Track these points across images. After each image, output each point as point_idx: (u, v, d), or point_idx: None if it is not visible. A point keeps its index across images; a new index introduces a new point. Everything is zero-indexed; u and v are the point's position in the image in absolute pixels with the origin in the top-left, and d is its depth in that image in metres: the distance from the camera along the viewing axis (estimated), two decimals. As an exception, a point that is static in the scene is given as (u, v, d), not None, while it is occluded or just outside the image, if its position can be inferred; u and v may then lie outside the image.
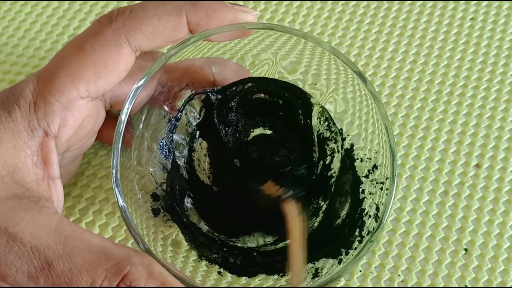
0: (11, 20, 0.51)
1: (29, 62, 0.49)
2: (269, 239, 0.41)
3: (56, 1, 0.52)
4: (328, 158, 0.41)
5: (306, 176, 0.41)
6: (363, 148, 0.40)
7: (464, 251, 0.42)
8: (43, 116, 0.34)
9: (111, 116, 0.40)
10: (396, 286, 0.40)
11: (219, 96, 0.41)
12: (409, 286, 0.40)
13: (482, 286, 0.41)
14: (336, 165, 0.41)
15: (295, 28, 0.43)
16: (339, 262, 0.37)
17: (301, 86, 0.41)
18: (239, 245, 0.40)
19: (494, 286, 0.41)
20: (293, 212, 0.37)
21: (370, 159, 0.39)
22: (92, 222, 0.42)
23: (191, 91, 0.40)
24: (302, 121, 0.41)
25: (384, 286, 0.40)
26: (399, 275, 0.41)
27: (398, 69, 0.50)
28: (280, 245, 0.40)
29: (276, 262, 0.39)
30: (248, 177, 0.42)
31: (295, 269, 0.34)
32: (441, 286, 0.40)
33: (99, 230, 0.42)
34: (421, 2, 0.54)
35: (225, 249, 0.40)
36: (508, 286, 0.41)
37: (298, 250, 0.35)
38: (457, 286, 0.40)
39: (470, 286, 0.41)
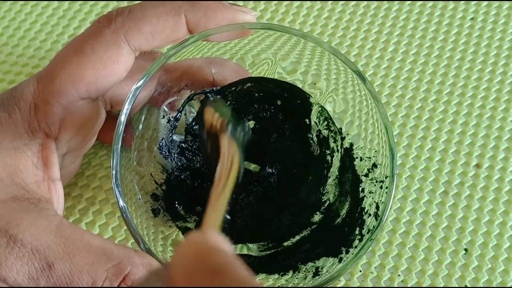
0: (11, 20, 0.51)
1: (29, 62, 0.49)
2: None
3: (56, 1, 0.52)
4: (328, 157, 0.41)
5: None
6: (363, 148, 0.40)
7: (464, 251, 0.42)
8: (43, 117, 0.34)
9: (112, 117, 0.40)
10: (396, 286, 0.40)
11: (218, 97, 0.41)
12: (409, 286, 0.40)
13: (482, 286, 0.41)
14: (335, 164, 0.41)
15: (294, 28, 0.43)
16: (340, 261, 0.37)
17: (300, 86, 0.41)
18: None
19: (494, 286, 0.41)
20: (228, 149, 0.34)
21: (369, 158, 0.39)
22: (92, 222, 0.42)
23: (191, 92, 0.40)
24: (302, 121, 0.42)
25: (384, 286, 0.40)
26: (399, 275, 0.41)
27: (398, 69, 0.50)
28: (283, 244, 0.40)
29: (276, 262, 0.39)
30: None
31: (210, 214, 0.30)
32: (441, 286, 0.40)
33: (99, 230, 0.42)
34: (421, 2, 0.54)
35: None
36: (508, 286, 0.41)
37: (220, 197, 0.31)
38: (457, 286, 0.40)
39: (470, 286, 0.41)
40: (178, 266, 0.21)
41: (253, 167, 0.43)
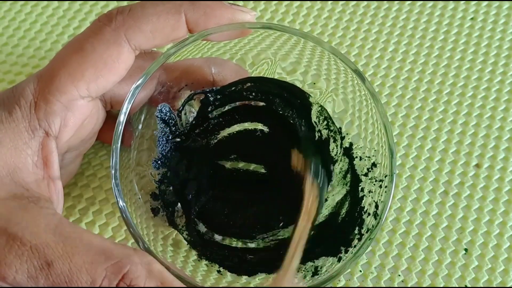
0: (11, 20, 0.51)
1: (29, 62, 0.49)
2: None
3: (56, 1, 0.52)
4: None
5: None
6: (362, 147, 0.40)
7: (464, 251, 0.42)
8: (43, 116, 0.34)
9: (112, 116, 0.40)
10: (396, 286, 0.40)
11: (218, 96, 0.41)
12: (409, 286, 0.40)
13: (482, 286, 0.41)
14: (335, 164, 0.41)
15: (294, 28, 0.43)
16: (339, 260, 0.37)
17: (300, 86, 0.41)
18: (239, 245, 0.41)
19: (494, 286, 0.41)
20: (312, 194, 0.36)
21: (369, 157, 0.39)
22: (92, 222, 0.42)
23: (191, 91, 0.40)
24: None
25: (384, 286, 0.40)
26: (399, 275, 0.41)
27: (398, 69, 0.50)
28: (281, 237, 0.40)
29: (276, 261, 0.39)
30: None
31: (291, 258, 0.33)
32: (441, 286, 0.40)
33: (99, 230, 0.42)
34: (421, 2, 0.54)
35: (225, 248, 0.40)
36: (508, 286, 0.41)
37: (302, 240, 0.34)
38: (457, 286, 0.40)
39: (470, 286, 0.40)
40: None
41: (253, 167, 0.43)
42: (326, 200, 0.40)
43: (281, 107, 0.41)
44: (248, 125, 0.42)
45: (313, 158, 0.38)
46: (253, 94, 0.41)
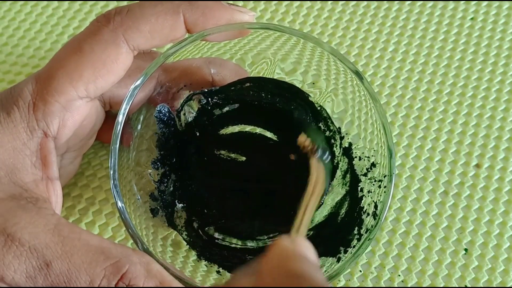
0: (11, 20, 0.51)
1: (29, 62, 0.49)
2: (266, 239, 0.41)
3: (56, 1, 0.52)
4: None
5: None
6: (362, 147, 0.40)
7: (464, 251, 0.42)
8: (42, 117, 0.34)
9: (111, 117, 0.40)
10: (396, 286, 0.40)
11: (218, 96, 0.41)
12: (409, 286, 0.40)
13: (482, 286, 0.41)
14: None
15: (294, 28, 0.43)
16: (338, 261, 0.37)
17: (299, 86, 0.41)
18: (239, 245, 0.41)
19: (494, 286, 0.41)
20: (319, 171, 0.37)
21: (368, 157, 0.39)
22: (92, 222, 0.42)
23: (190, 92, 0.40)
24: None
25: (384, 286, 0.40)
26: (399, 275, 0.41)
27: (398, 69, 0.50)
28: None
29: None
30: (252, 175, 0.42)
31: (298, 222, 0.33)
32: (441, 286, 0.40)
33: (99, 230, 0.42)
34: (421, 2, 0.54)
35: (224, 249, 0.40)
36: (508, 286, 0.41)
37: (308, 209, 0.34)
38: (457, 286, 0.40)
39: (470, 286, 0.40)
40: (264, 269, 0.25)
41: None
42: (325, 195, 0.40)
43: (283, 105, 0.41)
44: (249, 128, 0.42)
45: (321, 140, 0.38)
46: (253, 94, 0.41)
